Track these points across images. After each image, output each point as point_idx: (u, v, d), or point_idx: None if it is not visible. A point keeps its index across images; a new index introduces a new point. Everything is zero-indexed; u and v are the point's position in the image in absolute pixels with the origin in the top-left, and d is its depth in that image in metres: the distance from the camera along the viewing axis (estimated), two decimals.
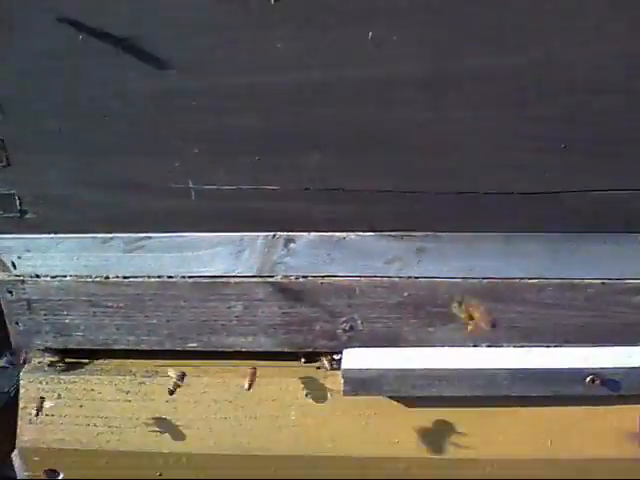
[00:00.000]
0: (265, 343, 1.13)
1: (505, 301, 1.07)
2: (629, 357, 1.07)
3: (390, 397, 1.11)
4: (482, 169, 0.98)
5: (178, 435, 1.13)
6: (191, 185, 1.02)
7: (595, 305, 1.06)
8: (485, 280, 1.06)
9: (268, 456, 1.12)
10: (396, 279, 1.07)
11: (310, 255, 1.06)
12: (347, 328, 1.11)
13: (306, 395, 1.13)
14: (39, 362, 1.18)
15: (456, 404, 1.11)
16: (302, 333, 1.12)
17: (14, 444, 1.24)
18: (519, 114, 0.94)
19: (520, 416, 1.12)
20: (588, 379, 1.07)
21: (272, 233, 1.05)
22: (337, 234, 1.04)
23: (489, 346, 1.10)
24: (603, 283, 1.05)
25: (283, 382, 1.14)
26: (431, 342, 1.11)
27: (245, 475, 1.13)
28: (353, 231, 1.04)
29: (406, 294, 1.07)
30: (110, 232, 1.06)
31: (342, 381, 1.09)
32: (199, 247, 1.06)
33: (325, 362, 1.13)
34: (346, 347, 1.12)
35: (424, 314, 1.09)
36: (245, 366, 1.15)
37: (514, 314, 1.08)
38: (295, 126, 0.96)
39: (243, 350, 1.14)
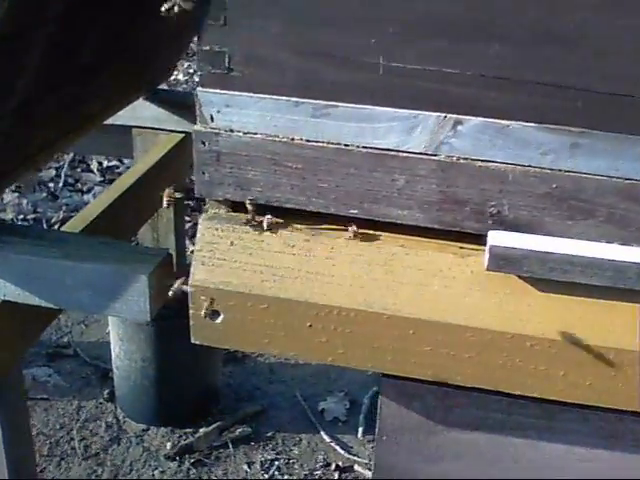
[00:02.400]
0: (419, 218, 1.27)
1: None
2: None
3: (524, 279, 1.24)
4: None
5: (333, 289, 1.27)
6: (381, 61, 1.17)
7: None
8: (627, 181, 1.19)
9: (410, 318, 1.25)
10: (548, 171, 1.20)
11: (474, 138, 1.20)
12: (494, 212, 1.24)
13: (448, 269, 1.27)
14: (215, 212, 1.33)
15: (582, 293, 1.24)
16: (453, 212, 1.26)
17: None
18: None
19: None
20: None
21: (443, 114, 1.19)
22: (502, 121, 1.18)
23: (621, 244, 1.23)
24: None
25: (429, 255, 1.28)
26: (568, 235, 1.24)
27: (384, 333, 1.27)
28: (517, 120, 1.18)
29: (554, 186, 1.21)
30: (302, 97, 1.22)
31: (487, 257, 1.22)
32: (377, 120, 1.21)
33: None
34: (490, 230, 1.25)
35: (566, 207, 1.22)
36: (396, 238, 1.30)
37: None
38: (483, 17, 1.11)
39: (397, 222, 1.28)
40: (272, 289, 1.28)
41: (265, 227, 1.28)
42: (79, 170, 4.91)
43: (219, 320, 1.32)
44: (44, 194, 4.54)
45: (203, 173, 1.30)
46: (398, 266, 1.27)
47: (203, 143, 1.28)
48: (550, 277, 1.21)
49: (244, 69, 1.22)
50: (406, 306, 1.25)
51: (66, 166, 4.91)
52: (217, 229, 1.31)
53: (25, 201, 4.26)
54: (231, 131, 1.26)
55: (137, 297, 1.44)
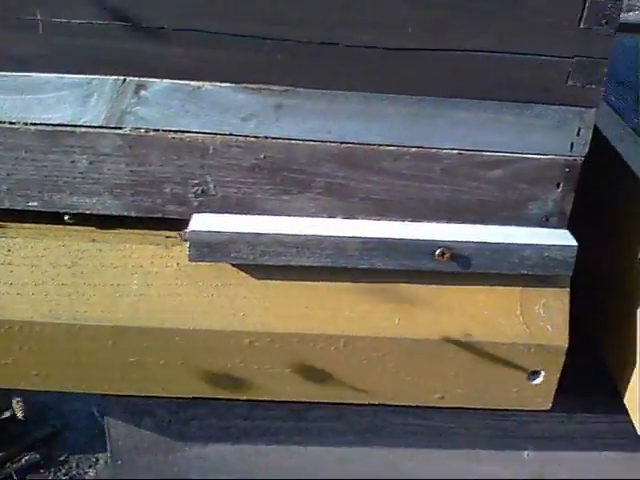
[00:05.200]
0: (111, 205, 1.07)
1: (361, 169, 1.05)
2: (481, 233, 1.07)
3: (238, 266, 1.07)
4: (345, 19, 0.96)
5: (11, 301, 1.05)
6: (39, 17, 0.95)
7: (451, 178, 1.05)
8: (343, 144, 1.03)
9: (106, 326, 1.05)
10: (252, 139, 1.03)
11: (162, 105, 1.00)
12: (199, 192, 1.06)
13: (150, 263, 1.07)
14: None
15: (305, 277, 1.08)
16: (151, 196, 1.06)
17: None
18: None
19: (369, 292, 1.09)
20: (438, 252, 1.05)
21: (122, 77, 0.99)
22: (192, 83, 1.00)
23: (344, 218, 1.08)
24: (460, 153, 1.04)
25: (127, 248, 1.07)
26: (286, 212, 1.07)
27: (81, 348, 1.06)
28: (210, 80, 0.99)
29: (262, 156, 1.04)
30: None
31: (187, 245, 1.04)
32: (42, 90, 0.99)
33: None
34: (197, 213, 1.07)
35: (279, 180, 1.05)
36: (86, 232, 1.09)
37: (370, 184, 1.06)
38: None
39: (87, 212, 1.07)
40: None
41: None
42: None
43: None
44: None
45: None
46: (89, 266, 1.06)
47: None
48: (263, 262, 1.04)
49: None
50: (100, 313, 1.05)
51: None
52: None
53: None
54: None
55: None
